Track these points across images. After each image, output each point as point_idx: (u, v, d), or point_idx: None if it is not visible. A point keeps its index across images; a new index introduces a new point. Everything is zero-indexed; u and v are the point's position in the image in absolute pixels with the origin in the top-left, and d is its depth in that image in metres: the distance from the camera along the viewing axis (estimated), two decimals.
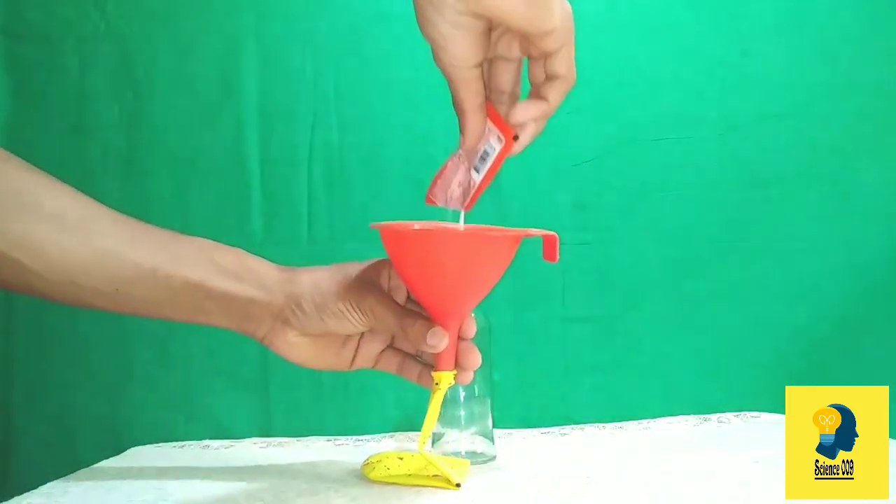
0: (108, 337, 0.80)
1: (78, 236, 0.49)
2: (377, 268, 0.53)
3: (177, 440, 0.79)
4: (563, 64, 0.46)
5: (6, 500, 0.53)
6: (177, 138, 0.82)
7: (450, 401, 0.64)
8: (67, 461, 0.66)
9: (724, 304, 0.85)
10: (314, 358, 0.54)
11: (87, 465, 0.66)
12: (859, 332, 0.85)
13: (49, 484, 0.58)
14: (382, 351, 0.56)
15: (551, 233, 0.49)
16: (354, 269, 0.53)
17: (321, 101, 0.83)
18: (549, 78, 0.47)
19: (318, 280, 0.52)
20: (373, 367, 0.56)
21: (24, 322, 0.80)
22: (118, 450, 0.74)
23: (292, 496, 0.53)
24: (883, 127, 0.87)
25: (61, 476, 0.61)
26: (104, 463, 0.68)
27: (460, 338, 0.52)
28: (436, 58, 0.46)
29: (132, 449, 0.75)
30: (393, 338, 0.56)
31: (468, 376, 0.53)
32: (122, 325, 0.80)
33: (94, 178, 0.81)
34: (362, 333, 0.55)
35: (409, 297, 0.54)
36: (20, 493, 0.55)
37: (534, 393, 0.83)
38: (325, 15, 0.83)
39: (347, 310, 0.50)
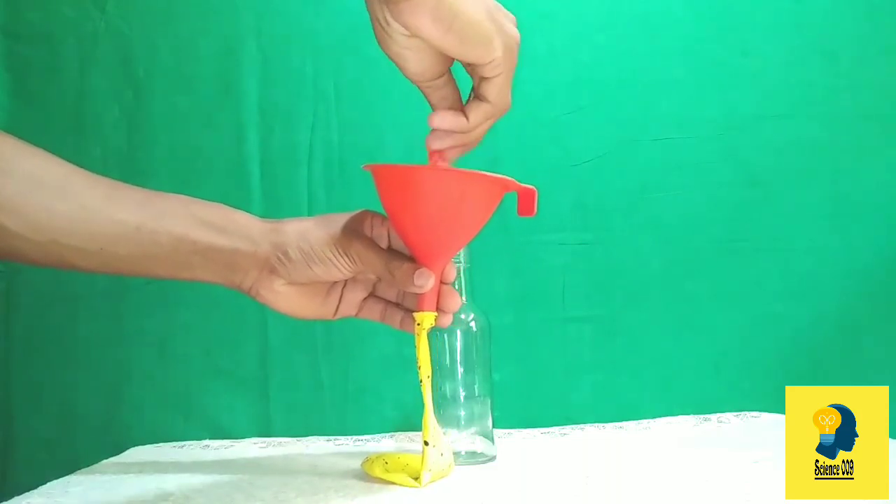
0: (108, 337, 0.80)
1: (57, 195, 0.49)
2: (361, 218, 0.54)
3: (176, 440, 0.79)
4: (493, 91, 0.47)
5: (6, 500, 0.53)
6: (177, 138, 0.82)
7: (450, 400, 0.64)
8: (67, 461, 0.66)
9: (724, 304, 0.85)
10: (300, 307, 0.54)
11: (87, 465, 0.66)
12: (859, 332, 0.85)
13: (49, 484, 0.58)
14: (365, 299, 0.57)
15: (531, 187, 0.51)
16: (339, 218, 0.54)
17: (321, 101, 0.83)
18: (478, 98, 0.48)
19: (303, 229, 0.52)
20: (356, 314, 0.57)
21: (24, 322, 0.80)
22: (118, 450, 0.74)
23: (292, 496, 0.53)
24: (883, 127, 0.87)
25: (61, 476, 0.61)
26: (104, 463, 0.68)
27: (442, 282, 0.54)
28: (401, 71, 0.47)
29: (132, 449, 0.75)
30: (375, 286, 0.57)
31: (448, 318, 0.55)
32: (122, 325, 0.80)
33: None
34: (345, 282, 0.56)
35: (390, 247, 0.55)
36: (20, 493, 0.55)
37: (534, 393, 0.83)
38: (325, 15, 0.83)
39: (335, 256, 0.51)
